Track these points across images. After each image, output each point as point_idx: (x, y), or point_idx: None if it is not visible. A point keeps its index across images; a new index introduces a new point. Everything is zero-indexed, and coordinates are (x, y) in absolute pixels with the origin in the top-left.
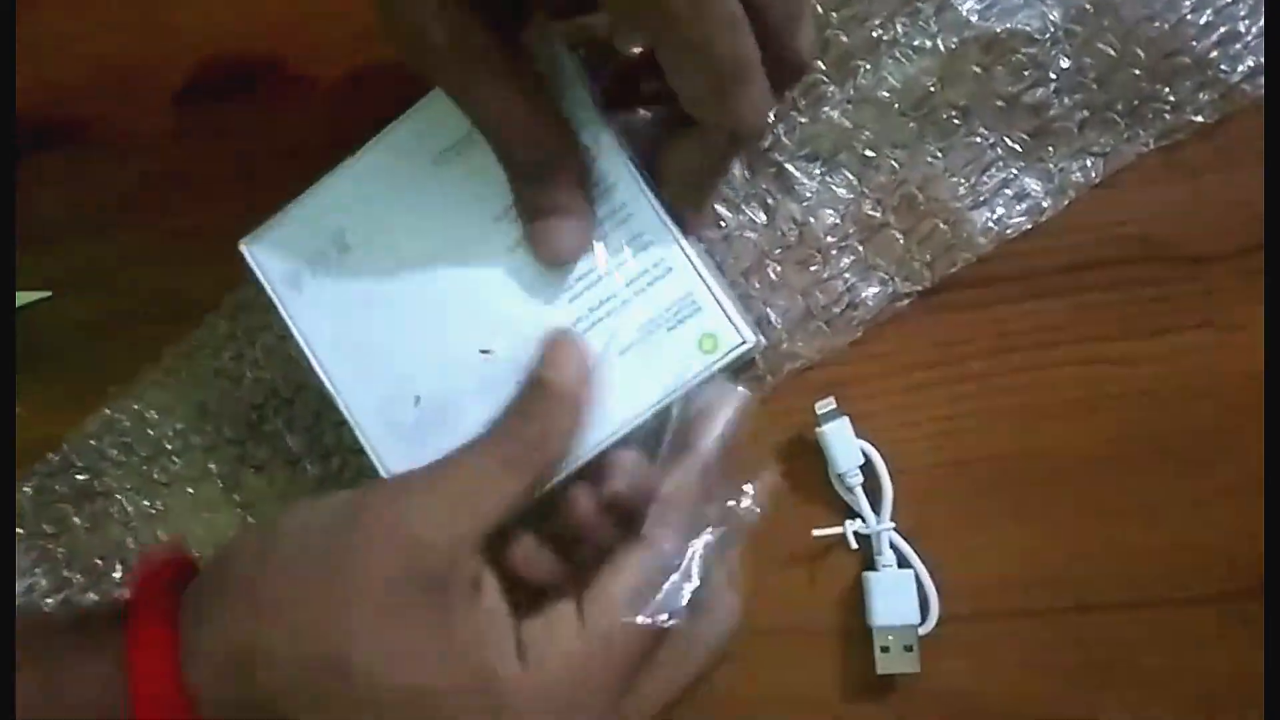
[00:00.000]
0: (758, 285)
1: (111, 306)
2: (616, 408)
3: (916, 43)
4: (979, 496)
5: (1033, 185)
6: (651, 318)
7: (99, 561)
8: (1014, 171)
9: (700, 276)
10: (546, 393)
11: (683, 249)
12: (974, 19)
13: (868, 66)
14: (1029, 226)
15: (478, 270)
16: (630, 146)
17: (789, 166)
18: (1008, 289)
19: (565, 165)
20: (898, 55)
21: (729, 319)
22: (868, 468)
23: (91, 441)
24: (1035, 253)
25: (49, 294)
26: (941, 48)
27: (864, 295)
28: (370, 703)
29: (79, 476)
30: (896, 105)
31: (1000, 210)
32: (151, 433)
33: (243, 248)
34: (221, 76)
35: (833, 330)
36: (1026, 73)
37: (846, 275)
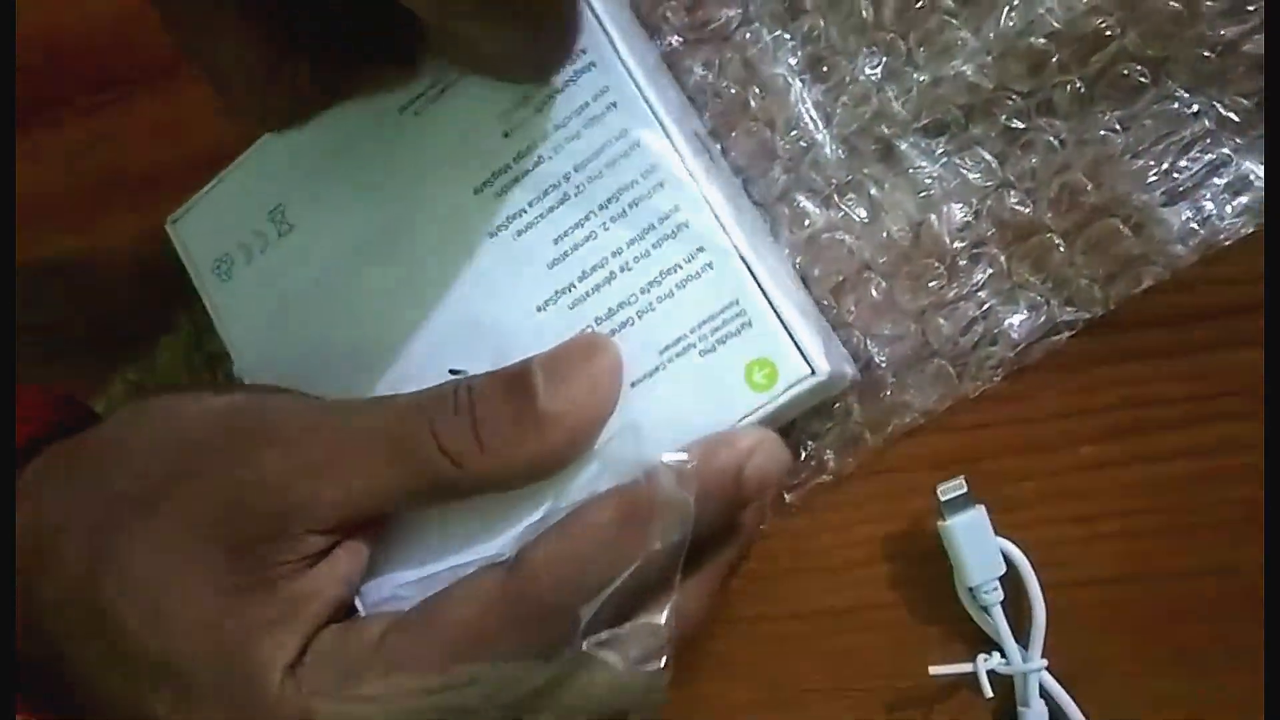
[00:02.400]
0: (854, 307)
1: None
2: (619, 455)
3: None
4: (1171, 628)
5: (1257, 172)
6: (680, 335)
7: None
8: (1228, 151)
9: (754, 275)
10: (532, 408)
11: (727, 233)
12: None
13: (1016, 1)
14: (1250, 231)
15: (452, 260)
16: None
17: (901, 144)
18: (1221, 327)
19: None
20: None
21: (794, 340)
22: (1011, 579)
23: None
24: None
25: None
26: None
27: (1006, 324)
28: (117, 646)
29: None
30: (1057, 57)
31: (1209, 206)
32: None
33: (169, 227)
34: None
35: (960, 374)
36: (1250, 9)
37: (982, 295)
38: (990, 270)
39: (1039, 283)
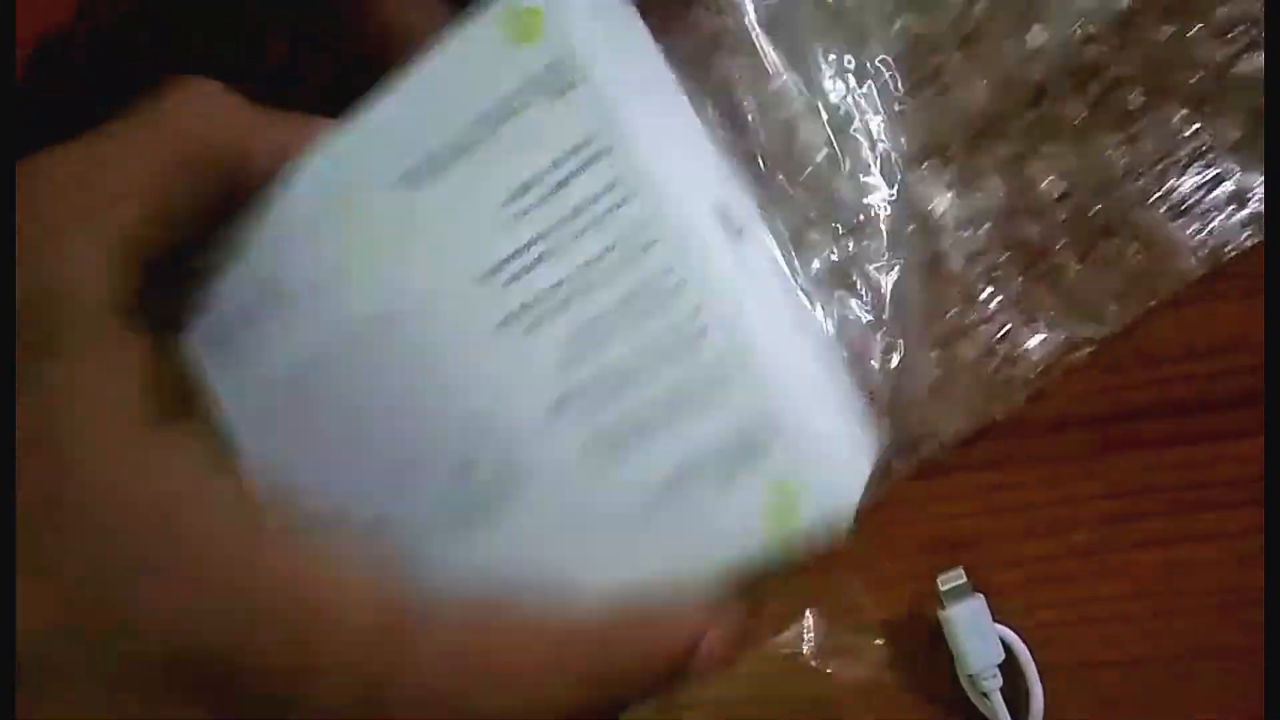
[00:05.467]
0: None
1: None
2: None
3: None
4: (1165, 710)
5: (1257, 184)
6: (697, 454)
7: None
8: (1229, 166)
9: (784, 389)
10: None
11: (756, 338)
12: None
13: (1007, 30)
14: (1255, 242)
15: (455, 352)
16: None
17: (908, 175)
18: (1210, 420)
19: None
20: (1050, 14)
21: (824, 458)
22: (1009, 664)
23: None
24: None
25: None
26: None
27: (1027, 345)
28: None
29: None
30: (1055, 85)
31: (1214, 220)
32: None
33: None
34: None
35: (985, 397)
36: (1237, 30)
37: (1001, 319)
38: (1006, 294)
39: (1054, 303)
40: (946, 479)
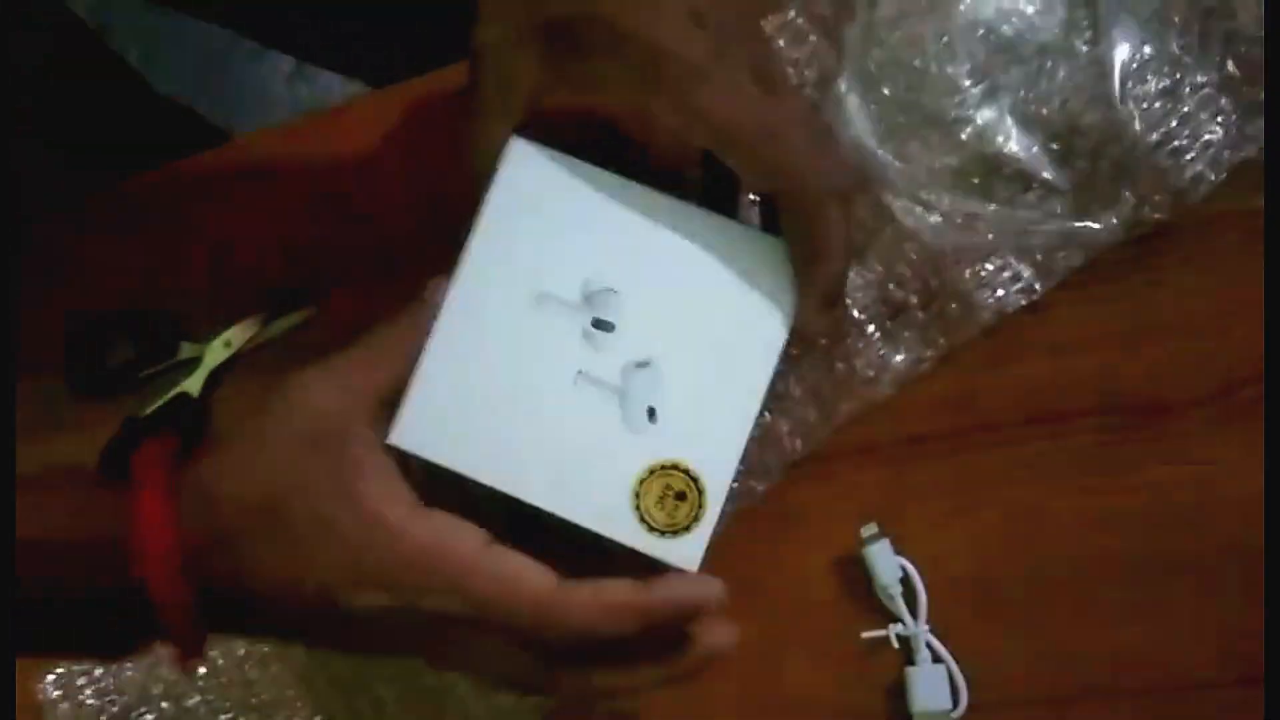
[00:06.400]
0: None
1: None
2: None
3: None
4: (1002, 604)
5: (1026, 274)
6: None
7: None
8: (1011, 261)
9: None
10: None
11: None
12: None
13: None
14: (1020, 305)
15: None
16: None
17: None
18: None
19: None
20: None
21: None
22: (907, 580)
23: None
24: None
25: None
26: None
27: (893, 361)
28: (286, 527)
29: None
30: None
31: (999, 292)
32: None
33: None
34: None
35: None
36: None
37: (878, 346)
38: (882, 331)
39: (910, 336)
40: (869, 457)
